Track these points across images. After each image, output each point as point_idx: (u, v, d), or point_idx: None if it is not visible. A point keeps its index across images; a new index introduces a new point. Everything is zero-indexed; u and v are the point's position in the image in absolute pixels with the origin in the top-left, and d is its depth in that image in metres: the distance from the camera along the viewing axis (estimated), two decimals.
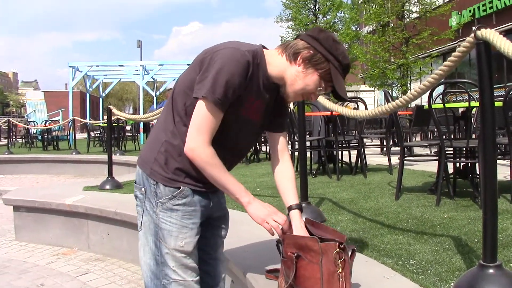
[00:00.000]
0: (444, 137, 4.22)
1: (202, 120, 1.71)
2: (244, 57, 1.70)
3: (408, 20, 22.29)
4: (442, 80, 2.34)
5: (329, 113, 6.23)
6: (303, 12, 28.78)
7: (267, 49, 1.89)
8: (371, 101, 31.64)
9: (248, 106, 1.80)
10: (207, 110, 1.70)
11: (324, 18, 28.66)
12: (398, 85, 22.28)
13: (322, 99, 3.85)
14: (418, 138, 12.74)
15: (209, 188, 1.88)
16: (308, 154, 6.70)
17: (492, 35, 1.85)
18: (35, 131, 17.64)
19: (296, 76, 1.80)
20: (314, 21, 28.46)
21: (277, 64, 1.83)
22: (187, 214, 1.84)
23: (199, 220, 1.88)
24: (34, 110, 22.64)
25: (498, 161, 2.94)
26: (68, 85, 23.85)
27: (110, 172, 6.02)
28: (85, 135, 21.20)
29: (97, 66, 20.74)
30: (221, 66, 1.67)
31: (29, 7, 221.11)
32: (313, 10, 28.89)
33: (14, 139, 18.51)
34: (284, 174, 2.07)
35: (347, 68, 1.84)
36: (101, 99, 24.85)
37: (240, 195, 1.83)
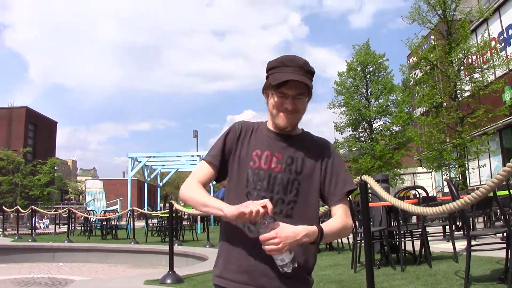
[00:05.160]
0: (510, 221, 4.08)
1: (195, 170, 2.08)
2: (235, 125, 2.07)
3: (461, 99, 21.98)
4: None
5: (389, 203, 6.13)
6: (355, 97, 28.74)
7: None
8: (429, 183, 30.91)
9: (256, 159, 1.95)
10: (200, 164, 2.07)
11: (377, 102, 28.56)
12: (456, 166, 21.66)
13: (381, 192, 3.81)
14: (481, 219, 12.25)
15: None
16: None
17: None
18: (94, 220, 18.02)
19: (268, 106, 2.01)
20: (366, 105, 28.43)
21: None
22: None
23: None
24: (93, 199, 23.36)
25: None
26: (126, 173, 24.62)
27: (171, 266, 6.05)
28: (142, 223, 21.50)
29: (155, 157, 21.38)
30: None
31: (89, 99, 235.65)
32: (365, 95, 28.88)
33: (73, 227, 18.94)
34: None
35: (282, 63, 1.93)
36: (158, 188, 25.47)
37: (222, 210, 1.79)
